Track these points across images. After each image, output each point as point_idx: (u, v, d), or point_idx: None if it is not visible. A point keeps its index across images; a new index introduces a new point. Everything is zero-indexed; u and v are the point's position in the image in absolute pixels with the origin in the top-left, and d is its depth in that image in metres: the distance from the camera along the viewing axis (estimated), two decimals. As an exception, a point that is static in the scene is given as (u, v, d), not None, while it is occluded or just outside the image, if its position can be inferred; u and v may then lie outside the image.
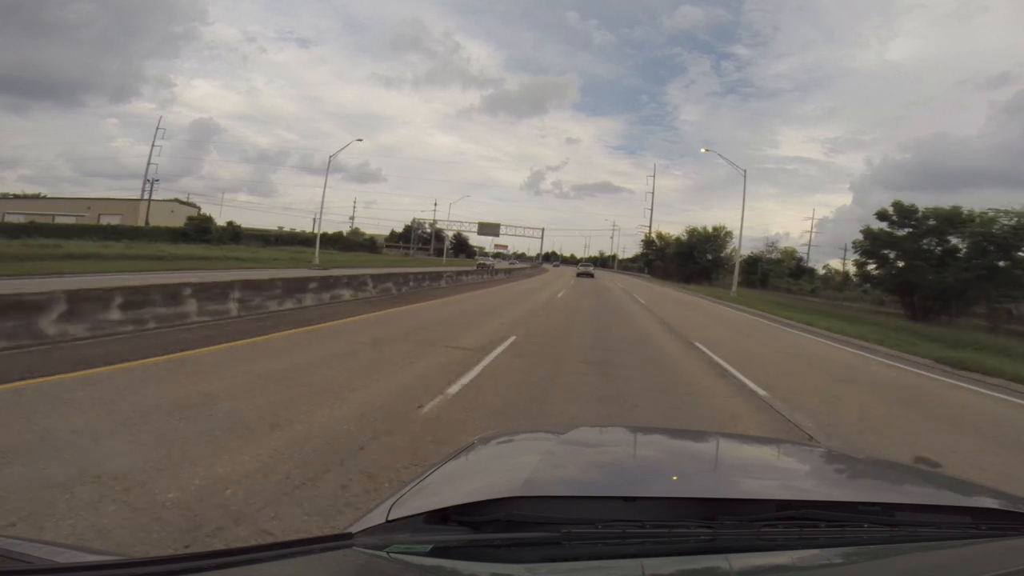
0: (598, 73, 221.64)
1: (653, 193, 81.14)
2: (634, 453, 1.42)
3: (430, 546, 0.74)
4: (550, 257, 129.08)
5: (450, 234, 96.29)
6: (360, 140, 59.92)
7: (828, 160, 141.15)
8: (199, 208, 57.54)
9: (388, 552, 0.73)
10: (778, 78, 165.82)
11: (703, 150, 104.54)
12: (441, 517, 0.80)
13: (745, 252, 48.62)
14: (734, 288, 31.57)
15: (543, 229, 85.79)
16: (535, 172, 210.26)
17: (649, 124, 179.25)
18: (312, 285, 10.73)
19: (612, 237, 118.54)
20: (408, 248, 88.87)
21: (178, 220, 47.99)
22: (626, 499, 0.85)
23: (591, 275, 42.79)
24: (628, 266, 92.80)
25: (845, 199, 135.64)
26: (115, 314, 6.25)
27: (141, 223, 45.49)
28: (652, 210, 79.14)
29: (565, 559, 0.76)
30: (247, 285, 8.64)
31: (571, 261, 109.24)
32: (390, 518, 0.81)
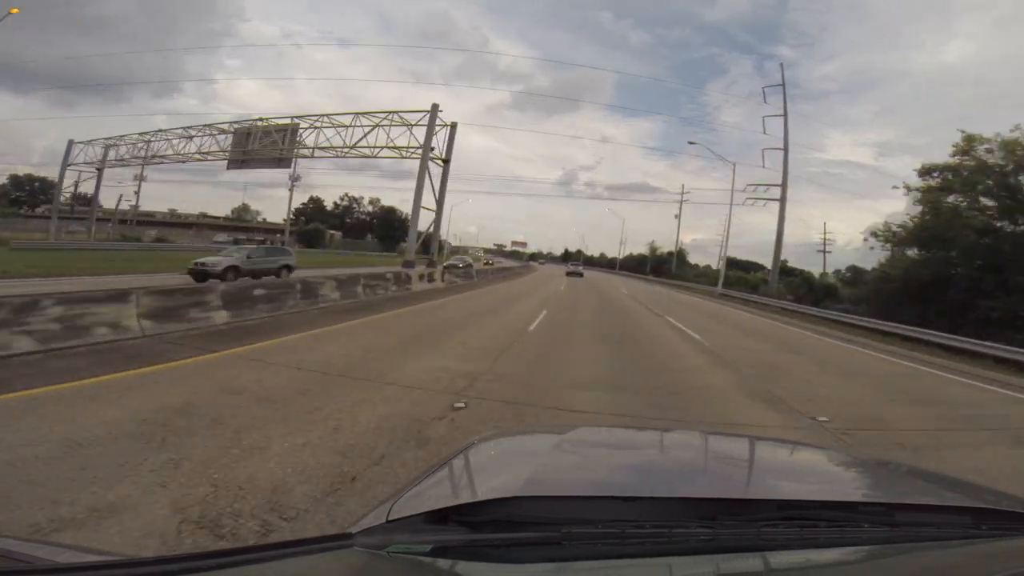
0: (633, 74, 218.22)
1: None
2: (634, 453, 1.42)
3: (430, 546, 0.74)
4: (570, 257, 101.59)
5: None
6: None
7: (878, 164, 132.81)
8: None
9: (388, 552, 0.73)
10: (825, 80, 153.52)
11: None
12: (441, 517, 0.80)
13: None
14: None
15: (454, 124, 30.13)
16: (567, 172, 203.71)
17: (688, 125, 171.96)
18: None
19: (678, 216, 55.23)
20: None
21: None
22: (626, 499, 0.86)
23: (580, 274, 43.78)
24: (733, 281, 35.80)
25: (898, 205, 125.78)
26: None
27: None
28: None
29: (565, 559, 0.76)
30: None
31: (602, 264, 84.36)
32: (390, 518, 0.81)
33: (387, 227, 73.28)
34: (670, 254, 60.52)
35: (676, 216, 57.84)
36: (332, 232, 68.19)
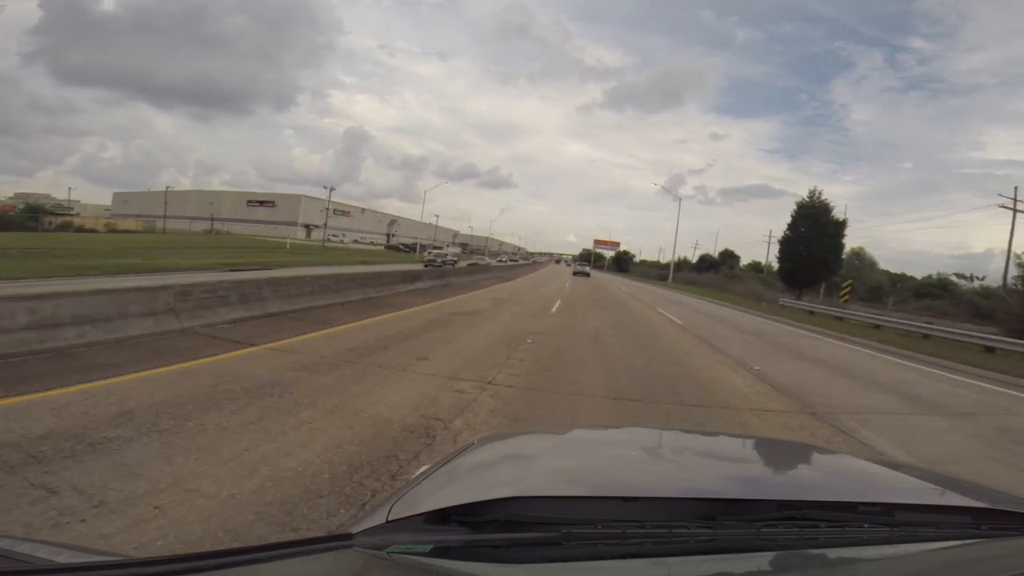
0: (742, 73, 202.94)
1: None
2: (634, 453, 1.42)
3: (430, 546, 0.74)
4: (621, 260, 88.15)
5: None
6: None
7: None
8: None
9: (388, 552, 0.73)
10: (975, 72, 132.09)
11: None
12: (441, 517, 0.80)
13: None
14: None
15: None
16: (674, 176, 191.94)
17: (811, 125, 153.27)
18: None
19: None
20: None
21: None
22: (626, 499, 0.85)
23: (587, 274, 43.72)
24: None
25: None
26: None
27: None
28: None
29: (565, 559, 0.76)
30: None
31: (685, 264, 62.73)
32: (390, 518, 0.81)
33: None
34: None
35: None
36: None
